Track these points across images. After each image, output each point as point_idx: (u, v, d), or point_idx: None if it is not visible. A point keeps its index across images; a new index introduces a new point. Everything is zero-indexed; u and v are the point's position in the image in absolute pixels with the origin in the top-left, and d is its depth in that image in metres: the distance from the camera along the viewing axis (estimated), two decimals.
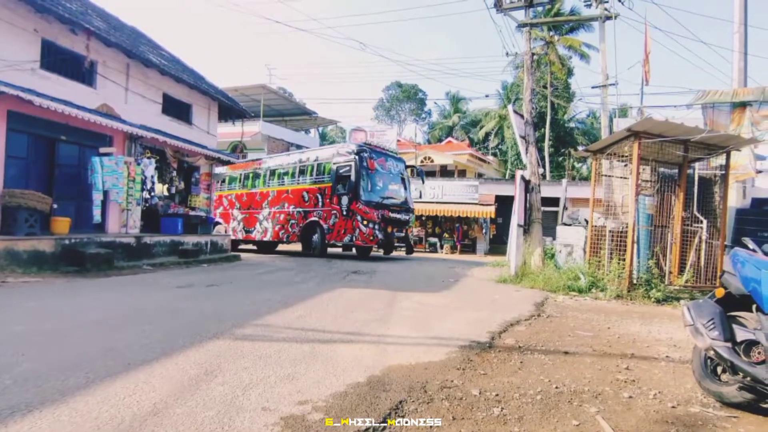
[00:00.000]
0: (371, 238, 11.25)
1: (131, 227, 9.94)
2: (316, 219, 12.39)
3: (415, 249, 17.23)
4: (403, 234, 12.31)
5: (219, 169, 15.92)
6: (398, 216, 12.01)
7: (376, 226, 11.30)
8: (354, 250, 13.81)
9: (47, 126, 8.41)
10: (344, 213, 11.50)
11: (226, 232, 15.02)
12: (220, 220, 15.70)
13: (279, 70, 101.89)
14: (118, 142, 9.90)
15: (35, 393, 2.21)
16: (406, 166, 13.91)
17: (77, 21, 8.64)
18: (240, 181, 15.83)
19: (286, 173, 14.04)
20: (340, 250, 14.68)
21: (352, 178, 11.44)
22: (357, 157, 11.49)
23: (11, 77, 7.72)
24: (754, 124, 8.38)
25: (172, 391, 2.30)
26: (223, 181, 16.21)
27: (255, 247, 15.91)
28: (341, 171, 11.95)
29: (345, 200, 11.54)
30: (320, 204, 12.32)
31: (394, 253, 15.02)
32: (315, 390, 2.37)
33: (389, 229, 11.65)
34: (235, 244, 15.08)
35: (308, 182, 13.08)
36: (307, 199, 12.89)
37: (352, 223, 11.31)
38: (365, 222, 11.21)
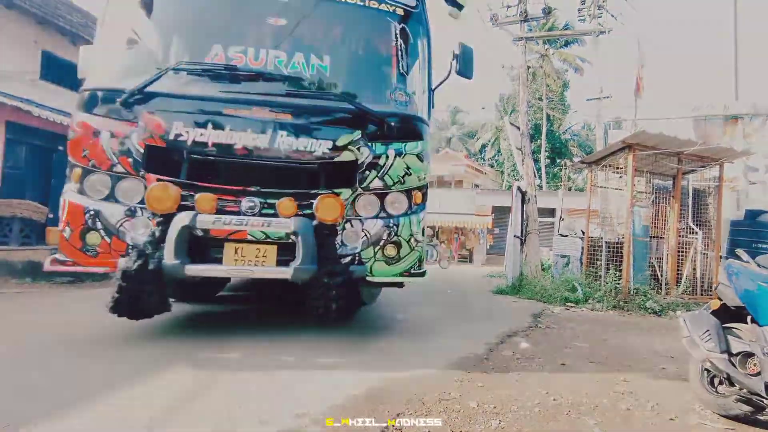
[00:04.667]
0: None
1: None
2: None
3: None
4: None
5: None
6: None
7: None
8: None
9: (45, 136, 8.44)
10: None
11: None
12: None
13: None
14: None
15: (53, 402, 2.19)
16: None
17: (77, 33, 8.73)
18: None
19: None
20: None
21: None
22: None
23: (11, 88, 7.76)
24: (745, 137, 8.52)
25: (168, 405, 2.28)
26: None
27: None
28: None
29: None
30: None
31: None
32: (313, 402, 2.36)
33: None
34: None
35: None
36: None
37: None
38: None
